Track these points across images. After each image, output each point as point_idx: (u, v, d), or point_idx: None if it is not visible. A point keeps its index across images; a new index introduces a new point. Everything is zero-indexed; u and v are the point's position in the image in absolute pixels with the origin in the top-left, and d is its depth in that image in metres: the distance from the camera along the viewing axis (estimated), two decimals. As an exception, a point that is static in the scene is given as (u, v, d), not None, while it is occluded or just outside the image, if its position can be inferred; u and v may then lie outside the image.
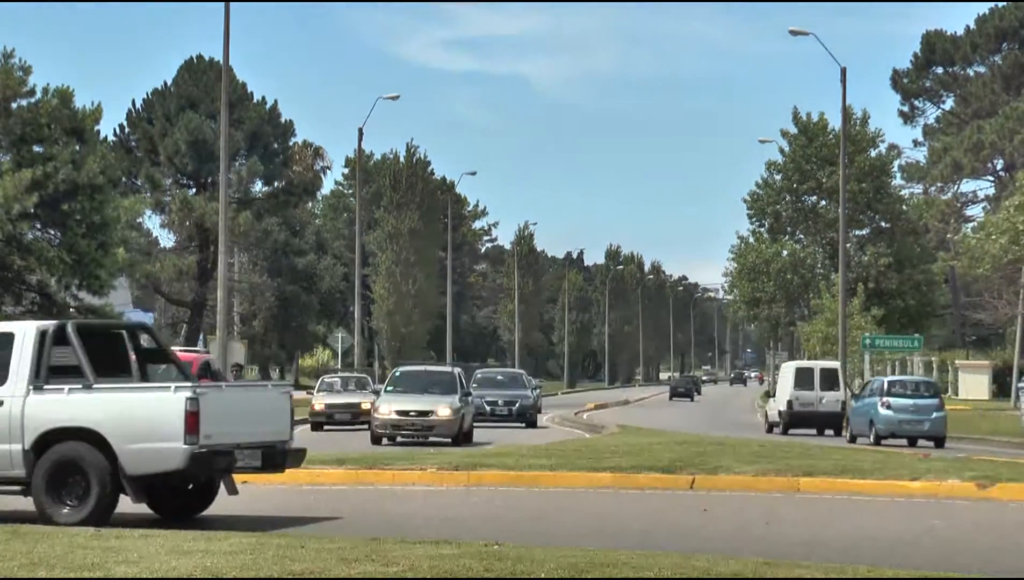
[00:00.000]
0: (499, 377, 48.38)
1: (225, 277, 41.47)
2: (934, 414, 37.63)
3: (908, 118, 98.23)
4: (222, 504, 15.27)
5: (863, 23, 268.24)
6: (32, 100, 43.73)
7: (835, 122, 68.49)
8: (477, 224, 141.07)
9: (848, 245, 61.86)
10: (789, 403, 46.28)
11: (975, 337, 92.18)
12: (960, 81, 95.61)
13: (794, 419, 45.81)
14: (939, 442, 36.95)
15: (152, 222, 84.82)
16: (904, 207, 73.64)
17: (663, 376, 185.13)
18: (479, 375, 47.87)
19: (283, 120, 75.47)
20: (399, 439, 31.50)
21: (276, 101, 74.84)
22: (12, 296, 44.99)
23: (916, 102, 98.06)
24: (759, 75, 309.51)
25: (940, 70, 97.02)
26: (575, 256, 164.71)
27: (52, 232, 43.90)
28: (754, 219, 73.45)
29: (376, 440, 31.37)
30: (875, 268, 67.89)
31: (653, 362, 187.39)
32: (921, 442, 36.98)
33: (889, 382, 40.79)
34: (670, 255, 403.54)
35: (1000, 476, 18.75)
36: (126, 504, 14.41)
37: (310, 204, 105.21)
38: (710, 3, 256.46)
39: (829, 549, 12.51)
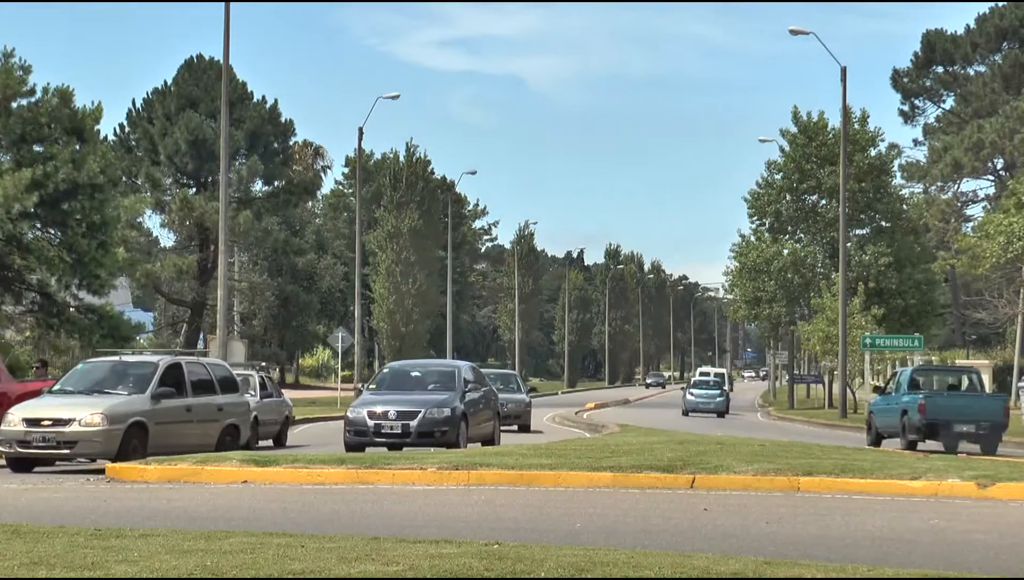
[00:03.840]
0: (415, 372, 30.09)
1: (225, 276, 41.48)
2: (718, 398, 64.73)
3: (908, 117, 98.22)
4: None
5: (863, 23, 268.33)
6: (32, 99, 43.71)
7: (835, 121, 68.53)
8: (477, 223, 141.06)
9: (848, 244, 61.84)
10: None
11: (975, 336, 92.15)
12: (960, 80, 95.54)
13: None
14: (721, 414, 63.26)
15: (152, 221, 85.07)
16: (904, 206, 73.62)
17: (663, 375, 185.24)
18: (386, 370, 30.71)
19: (283, 120, 75.55)
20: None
21: (276, 101, 75.10)
22: (12, 295, 45.00)
23: (916, 101, 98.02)
24: (759, 75, 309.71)
25: (940, 69, 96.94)
26: (575, 255, 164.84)
27: (52, 231, 43.86)
28: (755, 218, 73.45)
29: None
30: (875, 267, 67.87)
31: (653, 361, 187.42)
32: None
33: (694, 381, 73.77)
34: (670, 255, 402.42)
35: (1000, 475, 18.74)
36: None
37: (310, 203, 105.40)
38: (710, 3, 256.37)
39: (829, 549, 12.50)
